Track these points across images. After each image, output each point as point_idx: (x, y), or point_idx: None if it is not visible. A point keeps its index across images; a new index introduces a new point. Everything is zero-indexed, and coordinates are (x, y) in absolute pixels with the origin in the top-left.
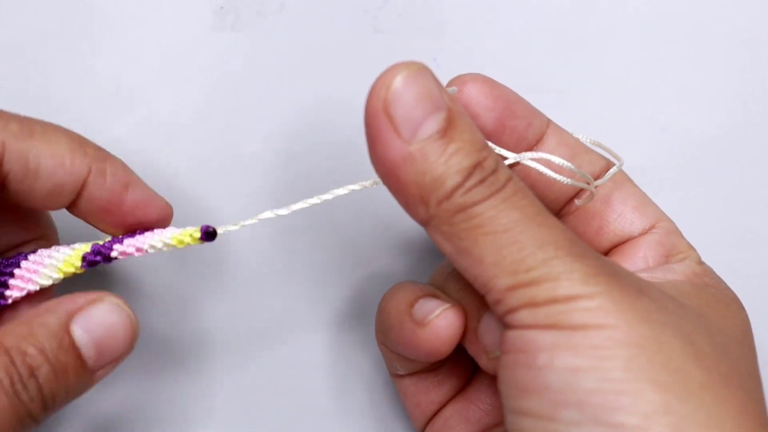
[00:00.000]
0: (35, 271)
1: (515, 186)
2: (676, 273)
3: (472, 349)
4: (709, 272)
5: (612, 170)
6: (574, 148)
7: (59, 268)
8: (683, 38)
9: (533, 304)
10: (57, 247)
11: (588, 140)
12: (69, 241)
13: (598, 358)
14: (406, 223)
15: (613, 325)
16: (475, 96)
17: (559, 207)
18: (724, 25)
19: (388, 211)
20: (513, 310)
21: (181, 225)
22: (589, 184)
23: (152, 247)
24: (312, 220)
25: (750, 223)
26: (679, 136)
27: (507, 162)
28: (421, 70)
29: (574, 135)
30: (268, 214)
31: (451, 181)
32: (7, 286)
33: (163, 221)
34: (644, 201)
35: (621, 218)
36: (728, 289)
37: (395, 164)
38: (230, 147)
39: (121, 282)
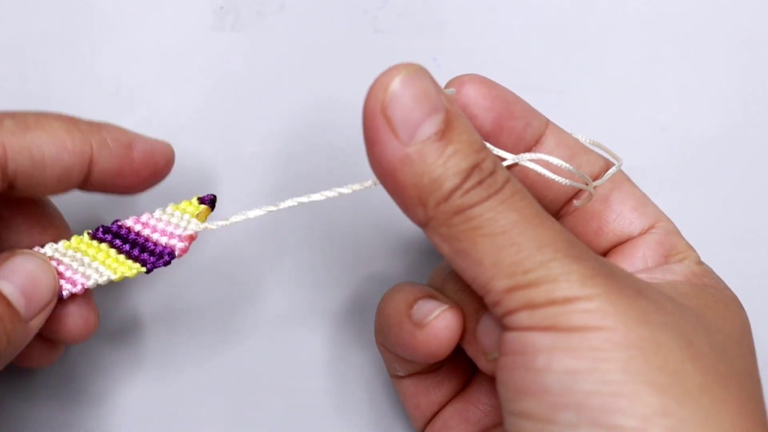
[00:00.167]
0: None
1: (513, 187)
2: (675, 273)
3: (470, 351)
4: (708, 272)
5: (611, 171)
6: (573, 148)
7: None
8: (683, 38)
9: (531, 306)
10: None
11: (587, 140)
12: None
13: (597, 359)
14: (406, 224)
15: (612, 326)
16: (473, 97)
17: (558, 207)
18: (724, 25)
19: (387, 211)
20: (511, 311)
21: None
22: (587, 184)
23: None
24: (311, 220)
25: (750, 223)
26: (679, 136)
27: (505, 163)
28: (418, 72)
29: (573, 135)
30: (257, 212)
31: (450, 183)
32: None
33: (169, 163)
34: (643, 201)
35: (620, 218)
36: (727, 289)
37: (393, 166)
38: (230, 147)
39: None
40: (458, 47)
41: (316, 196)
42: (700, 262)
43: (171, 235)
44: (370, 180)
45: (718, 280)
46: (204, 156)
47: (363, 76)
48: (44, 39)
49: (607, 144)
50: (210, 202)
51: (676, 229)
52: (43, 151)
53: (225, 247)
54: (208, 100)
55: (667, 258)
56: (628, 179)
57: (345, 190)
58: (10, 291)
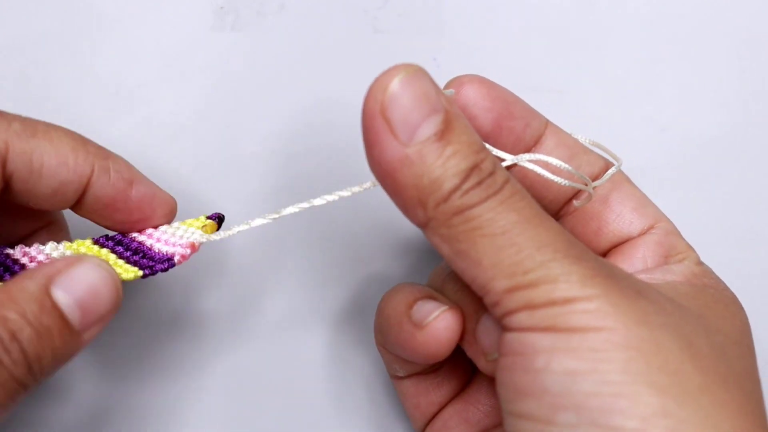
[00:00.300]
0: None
1: (513, 188)
2: (674, 274)
3: (470, 351)
4: (708, 273)
5: (610, 171)
6: (572, 148)
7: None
8: (683, 38)
9: (531, 307)
10: (54, 245)
11: (587, 141)
12: (80, 229)
13: (596, 360)
14: (405, 224)
15: (611, 327)
16: (472, 97)
17: (558, 208)
18: (724, 25)
19: (387, 212)
20: (511, 312)
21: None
22: (586, 185)
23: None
24: (311, 221)
25: (750, 223)
26: (679, 136)
27: (504, 164)
28: (417, 73)
29: (573, 135)
30: (259, 221)
31: (449, 184)
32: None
33: (168, 216)
34: (643, 201)
35: (620, 219)
36: (727, 289)
37: (393, 167)
38: (230, 147)
39: None
40: (458, 47)
41: (318, 201)
42: (699, 263)
43: (173, 245)
44: (370, 181)
45: (718, 281)
46: (204, 156)
47: (363, 76)
48: (44, 39)
49: (607, 144)
50: (217, 219)
51: (676, 229)
52: (43, 160)
53: (225, 247)
54: (208, 100)
55: (666, 258)
56: (627, 179)
57: (345, 193)
58: (66, 302)
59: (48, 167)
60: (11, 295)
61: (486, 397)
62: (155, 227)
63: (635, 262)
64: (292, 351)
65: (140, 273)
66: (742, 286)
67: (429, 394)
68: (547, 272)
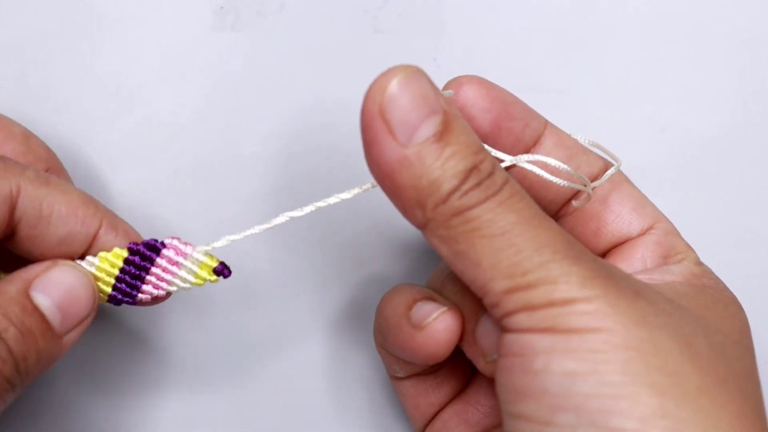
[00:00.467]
0: None
1: (511, 189)
2: (674, 274)
3: (469, 352)
4: (707, 273)
5: (609, 171)
6: (571, 149)
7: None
8: (683, 38)
9: (530, 308)
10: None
11: (586, 141)
12: None
13: (595, 361)
14: (405, 225)
15: (610, 328)
16: (471, 98)
17: (557, 208)
18: (724, 25)
19: (386, 212)
20: (510, 313)
21: (181, 225)
22: (585, 185)
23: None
24: (310, 222)
25: (750, 223)
26: (679, 136)
27: (503, 164)
28: (416, 74)
29: (572, 135)
30: (255, 230)
31: (448, 185)
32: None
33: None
34: (642, 202)
35: (619, 219)
36: (727, 289)
37: (391, 168)
38: (230, 147)
39: None
40: (458, 47)
41: (320, 204)
42: (699, 263)
43: (155, 285)
44: (369, 183)
45: (718, 281)
46: (204, 156)
47: (363, 76)
48: (44, 39)
49: (607, 144)
50: (222, 274)
51: (675, 229)
52: (53, 208)
53: (223, 249)
54: (208, 100)
55: (666, 259)
56: (627, 180)
57: (346, 195)
58: (47, 305)
59: (58, 215)
60: None
61: (486, 397)
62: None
63: (634, 262)
64: (292, 351)
65: (105, 299)
66: (742, 286)
67: (429, 394)
68: (546, 273)
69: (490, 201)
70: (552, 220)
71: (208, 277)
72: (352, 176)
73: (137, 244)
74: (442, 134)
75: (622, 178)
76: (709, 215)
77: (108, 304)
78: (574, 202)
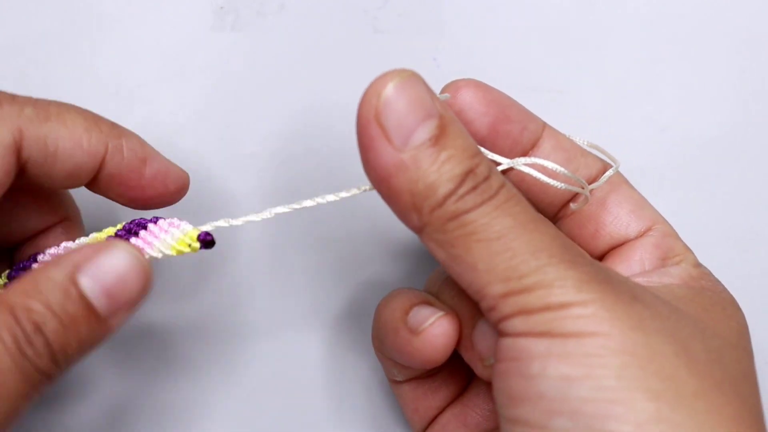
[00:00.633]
0: None
1: (508, 192)
2: (672, 276)
3: (467, 356)
4: (706, 275)
5: (607, 173)
6: (570, 151)
7: None
8: (683, 38)
9: (526, 312)
10: (66, 245)
11: (585, 142)
12: (91, 222)
13: (591, 366)
14: (404, 228)
15: (607, 332)
16: (468, 101)
17: (556, 210)
18: (724, 25)
19: (384, 216)
20: (506, 317)
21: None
22: (583, 188)
23: (151, 258)
24: (308, 224)
25: (750, 223)
26: (679, 136)
27: (500, 168)
28: (412, 78)
29: (571, 136)
30: (253, 217)
31: (444, 189)
32: None
33: (181, 190)
34: (640, 203)
35: (617, 221)
36: (725, 291)
37: (388, 172)
38: (230, 147)
39: None
40: (458, 47)
41: (319, 200)
42: (697, 265)
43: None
44: (367, 185)
45: (716, 283)
46: (204, 156)
47: (363, 77)
48: (44, 39)
49: (607, 144)
50: (206, 243)
51: (674, 231)
52: (58, 144)
53: (222, 250)
54: (208, 100)
55: (664, 261)
56: (625, 181)
57: (345, 194)
58: (92, 290)
59: (63, 150)
60: (37, 285)
61: (484, 401)
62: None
63: (632, 264)
64: (291, 354)
65: None
66: (742, 286)
67: (427, 398)
68: (543, 277)
69: (486, 205)
70: (549, 224)
71: (191, 242)
72: (353, 176)
73: (129, 223)
74: (438, 138)
75: (620, 180)
76: (709, 215)
77: None
78: (571, 205)
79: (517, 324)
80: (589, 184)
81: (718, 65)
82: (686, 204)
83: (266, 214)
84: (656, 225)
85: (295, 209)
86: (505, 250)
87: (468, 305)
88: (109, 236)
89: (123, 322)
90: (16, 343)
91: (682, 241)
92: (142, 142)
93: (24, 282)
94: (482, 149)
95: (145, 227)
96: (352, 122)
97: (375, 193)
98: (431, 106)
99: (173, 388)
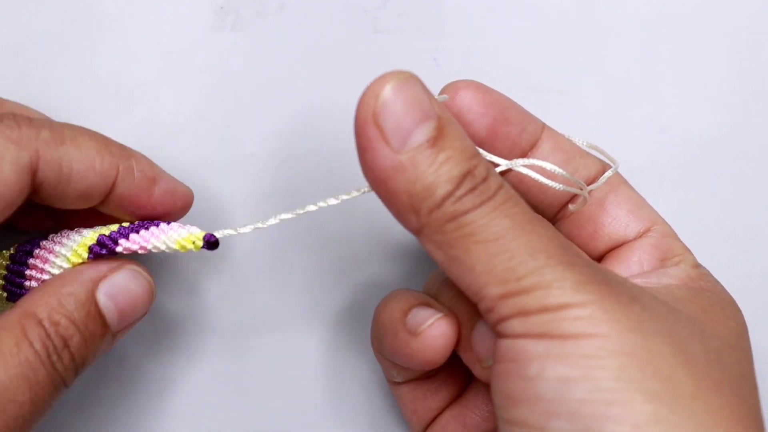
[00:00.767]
0: (46, 261)
1: (506, 194)
2: (671, 277)
3: (466, 358)
4: (704, 275)
5: (606, 174)
6: (569, 152)
7: (68, 258)
8: (683, 38)
9: (524, 313)
10: (66, 233)
11: (584, 143)
12: None
13: (589, 367)
14: (403, 229)
15: (605, 334)
16: (467, 103)
17: (555, 211)
18: (724, 25)
19: (383, 216)
20: (504, 318)
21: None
22: (582, 189)
23: (155, 248)
24: (307, 225)
25: (750, 223)
26: (679, 136)
27: (499, 169)
28: (410, 79)
29: (570, 137)
30: (259, 225)
31: (442, 190)
32: (24, 277)
33: (186, 207)
34: (639, 204)
35: (616, 222)
36: (724, 291)
37: (386, 173)
38: (230, 147)
39: None
40: (458, 47)
41: (321, 204)
42: (696, 265)
43: (138, 242)
44: (366, 187)
45: (715, 283)
46: (204, 156)
47: (363, 77)
48: (44, 39)
49: (607, 144)
50: (209, 244)
51: (673, 231)
52: (72, 166)
53: (222, 251)
54: (208, 100)
55: (663, 261)
56: (624, 182)
57: (345, 196)
58: (108, 309)
59: (77, 172)
60: (60, 300)
61: (483, 402)
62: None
63: (631, 265)
64: (290, 355)
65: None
66: (741, 286)
67: (426, 399)
68: (540, 278)
69: (484, 206)
70: (547, 225)
71: (195, 240)
72: (353, 176)
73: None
74: (436, 139)
75: (619, 180)
76: (709, 215)
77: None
78: (570, 206)
79: (515, 325)
80: (588, 184)
81: (718, 65)
82: (686, 204)
83: (272, 221)
84: (655, 226)
85: (298, 214)
86: (503, 252)
87: (467, 306)
88: (113, 232)
89: (123, 335)
90: (48, 357)
91: (681, 241)
92: (150, 163)
93: (47, 295)
94: (481, 150)
95: (157, 225)
96: (352, 122)
97: (374, 195)
98: (429, 108)
99: (172, 387)
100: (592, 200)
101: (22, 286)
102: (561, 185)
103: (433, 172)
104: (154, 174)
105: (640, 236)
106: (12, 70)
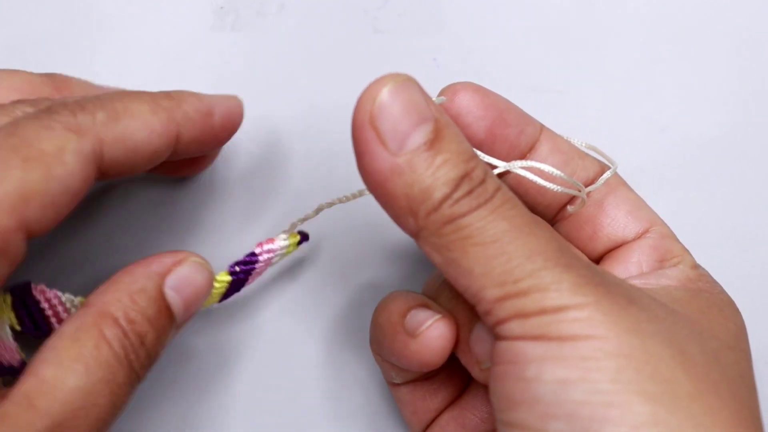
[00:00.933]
0: None
1: (504, 196)
2: (669, 278)
3: (464, 359)
4: (703, 276)
5: (605, 175)
6: (567, 153)
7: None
8: (683, 38)
9: (522, 315)
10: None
11: (582, 144)
12: None
13: (587, 369)
14: (401, 230)
15: (602, 335)
16: (465, 105)
17: (554, 213)
18: (724, 25)
19: (383, 216)
20: (502, 321)
21: (181, 225)
22: (580, 191)
23: (275, 260)
24: (304, 226)
25: (750, 223)
26: (679, 136)
27: (497, 171)
28: (406, 82)
29: (569, 138)
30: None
31: (439, 193)
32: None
33: (242, 115)
34: (638, 205)
35: (614, 223)
36: (723, 293)
37: (383, 176)
38: (230, 147)
39: None
40: (458, 47)
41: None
42: (695, 266)
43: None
44: (364, 189)
45: (714, 284)
46: None
47: (363, 77)
48: (44, 39)
49: (607, 144)
50: (304, 237)
51: (671, 232)
52: (134, 138)
53: (220, 253)
54: None
55: (662, 262)
56: (623, 183)
57: (344, 199)
58: (176, 303)
59: (140, 142)
60: (132, 297)
61: (482, 403)
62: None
63: (630, 266)
64: (289, 356)
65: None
66: (741, 286)
67: (426, 400)
68: (538, 281)
69: (481, 209)
70: (545, 227)
71: (294, 241)
72: (353, 176)
73: (236, 266)
74: (434, 142)
75: (618, 181)
76: (709, 215)
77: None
78: (569, 207)
79: (513, 327)
80: (587, 185)
81: (718, 65)
82: (686, 204)
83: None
84: (654, 227)
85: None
86: (500, 254)
87: (465, 308)
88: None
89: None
90: (126, 356)
91: (679, 242)
92: (199, 97)
93: (119, 292)
94: (478, 152)
95: (258, 255)
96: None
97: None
98: (426, 110)
99: (170, 388)
100: (590, 201)
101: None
102: (559, 187)
103: (431, 174)
104: (208, 107)
105: (638, 237)
106: None
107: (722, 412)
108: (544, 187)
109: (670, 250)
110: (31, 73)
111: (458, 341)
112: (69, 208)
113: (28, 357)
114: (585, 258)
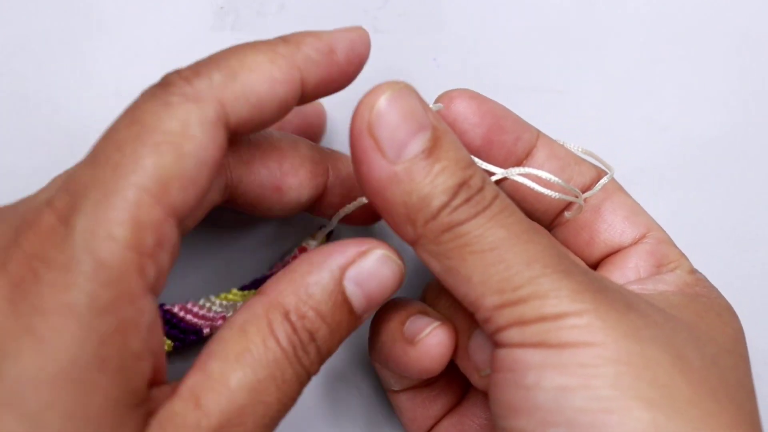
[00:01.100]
0: None
1: (502, 203)
2: (667, 283)
3: (463, 366)
4: (700, 281)
5: (601, 181)
6: (564, 159)
7: None
8: (683, 38)
9: (521, 323)
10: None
11: (579, 149)
12: None
13: (586, 376)
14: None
15: (601, 342)
16: (462, 112)
17: (551, 219)
18: (724, 25)
19: (380, 224)
20: (502, 328)
21: None
22: (577, 197)
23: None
24: (303, 231)
25: (750, 223)
26: (679, 137)
27: (494, 178)
28: (404, 90)
29: (566, 143)
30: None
31: (437, 201)
32: None
33: (368, 45)
34: (635, 210)
35: (611, 228)
36: (720, 297)
37: (381, 184)
38: None
39: None
40: (458, 47)
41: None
42: (692, 271)
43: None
44: (360, 199)
45: (711, 289)
46: None
47: (363, 77)
48: (44, 39)
49: (607, 145)
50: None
51: (668, 237)
52: (258, 92)
53: (220, 254)
54: None
55: (659, 268)
56: (620, 188)
57: (343, 211)
58: (357, 297)
59: (265, 95)
60: (307, 290)
61: (481, 410)
62: None
63: (627, 272)
64: None
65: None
66: (741, 286)
67: (425, 407)
68: (537, 288)
69: (480, 216)
70: (543, 233)
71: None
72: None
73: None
74: (431, 150)
75: (615, 187)
76: (708, 216)
77: None
78: (566, 213)
79: (512, 335)
80: (584, 191)
81: (718, 65)
82: (686, 204)
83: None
84: (651, 232)
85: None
86: (499, 262)
87: (464, 315)
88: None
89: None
90: (295, 353)
91: (677, 247)
92: (317, 35)
93: (293, 283)
94: (476, 159)
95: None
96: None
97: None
98: (424, 118)
99: None
100: (587, 207)
101: None
102: (556, 193)
103: (429, 182)
104: (329, 44)
105: (635, 242)
106: (12, 70)
107: (721, 417)
108: (541, 194)
109: (667, 255)
110: None
111: (457, 348)
112: (210, 180)
113: None
114: (583, 264)
